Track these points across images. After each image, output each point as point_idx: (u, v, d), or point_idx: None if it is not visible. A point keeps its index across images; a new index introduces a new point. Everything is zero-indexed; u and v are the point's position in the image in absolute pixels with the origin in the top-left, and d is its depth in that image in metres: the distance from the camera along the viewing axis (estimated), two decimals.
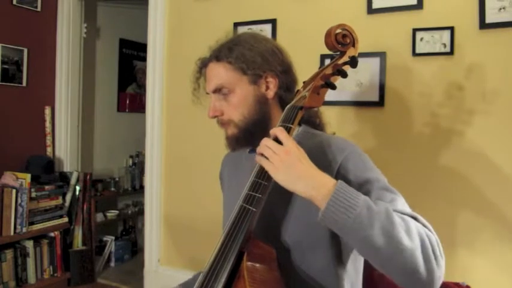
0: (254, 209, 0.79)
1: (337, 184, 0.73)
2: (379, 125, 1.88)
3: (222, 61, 0.94)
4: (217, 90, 0.94)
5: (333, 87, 0.87)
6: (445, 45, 1.74)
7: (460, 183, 1.73)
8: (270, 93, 0.96)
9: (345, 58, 0.90)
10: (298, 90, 0.91)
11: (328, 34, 0.89)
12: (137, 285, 2.62)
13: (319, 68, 0.92)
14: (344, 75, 0.88)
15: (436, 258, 0.72)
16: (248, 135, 0.95)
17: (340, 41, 0.90)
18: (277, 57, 0.97)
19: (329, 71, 0.88)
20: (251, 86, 0.94)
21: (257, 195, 0.79)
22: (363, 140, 1.91)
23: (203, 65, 1.00)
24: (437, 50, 1.75)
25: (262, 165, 0.77)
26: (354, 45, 0.92)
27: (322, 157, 0.89)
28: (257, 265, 0.79)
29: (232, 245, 0.79)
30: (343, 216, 0.70)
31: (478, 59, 1.69)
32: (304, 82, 0.92)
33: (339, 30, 0.90)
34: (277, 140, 0.78)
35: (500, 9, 1.64)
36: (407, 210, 0.81)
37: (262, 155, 0.78)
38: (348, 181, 0.86)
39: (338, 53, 0.92)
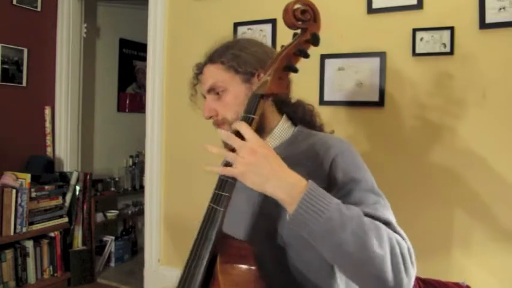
0: (221, 209, 0.76)
1: (307, 186, 0.70)
2: (379, 125, 1.88)
3: (215, 63, 0.95)
4: (211, 90, 0.96)
5: (295, 70, 0.81)
6: (445, 45, 1.73)
7: (460, 184, 1.73)
8: None
9: (307, 36, 0.82)
10: (260, 75, 0.85)
11: (285, 11, 0.81)
12: (137, 285, 2.61)
13: (282, 47, 0.85)
14: (305, 55, 0.82)
15: (405, 266, 0.70)
16: None
17: (299, 17, 0.81)
18: (270, 58, 0.94)
19: (290, 51, 0.82)
20: (244, 85, 0.94)
21: (224, 193, 0.77)
22: (362, 140, 1.91)
23: (199, 70, 1.01)
24: (437, 50, 1.75)
25: (226, 173, 0.74)
26: (315, 21, 0.84)
27: (316, 157, 0.89)
28: (232, 265, 0.76)
29: (203, 248, 0.77)
30: (313, 220, 0.67)
31: (478, 59, 1.69)
32: (265, 65, 0.86)
33: (297, 6, 0.82)
34: (239, 135, 0.74)
35: (500, 9, 1.64)
36: (386, 215, 0.79)
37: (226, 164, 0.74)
38: (336, 179, 0.85)
39: (299, 31, 0.84)
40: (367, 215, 0.74)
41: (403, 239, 0.75)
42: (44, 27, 2.92)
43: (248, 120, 0.79)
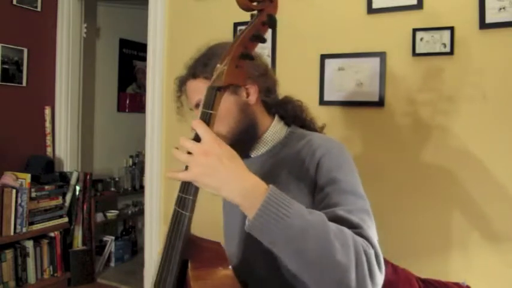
0: (187, 213, 0.72)
1: (268, 191, 0.66)
2: (379, 125, 1.88)
3: (199, 77, 0.92)
4: (199, 105, 0.91)
5: (251, 58, 0.76)
6: (445, 45, 1.73)
7: (460, 184, 1.72)
8: (252, 99, 0.93)
9: (263, 17, 0.77)
10: (217, 66, 0.78)
11: None
12: (137, 285, 2.62)
13: (239, 32, 0.79)
14: (262, 40, 0.77)
15: (371, 274, 0.66)
16: (239, 145, 0.90)
17: None
18: (252, 63, 0.92)
19: (246, 37, 0.76)
20: (232, 96, 0.91)
21: (188, 197, 0.72)
22: (362, 141, 1.91)
23: (181, 83, 0.99)
24: (437, 50, 1.75)
25: (180, 178, 0.70)
26: (271, 1, 0.78)
27: (303, 160, 0.88)
28: (205, 270, 0.73)
29: (172, 255, 0.73)
30: (273, 227, 0.63)
31: (478, 59, 1.69)
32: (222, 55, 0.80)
33: None
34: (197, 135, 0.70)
35: (500, 9, 1.64)
36: (360, 218, 0.74)
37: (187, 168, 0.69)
38: (319, 180, 0.83)
39: (256, 12, 0.79)
40: (338, 218, 0.72)
41: (372, 244, 0.70)
42: (44, 27, 2.92)
43: (206, 117, 0.73)
